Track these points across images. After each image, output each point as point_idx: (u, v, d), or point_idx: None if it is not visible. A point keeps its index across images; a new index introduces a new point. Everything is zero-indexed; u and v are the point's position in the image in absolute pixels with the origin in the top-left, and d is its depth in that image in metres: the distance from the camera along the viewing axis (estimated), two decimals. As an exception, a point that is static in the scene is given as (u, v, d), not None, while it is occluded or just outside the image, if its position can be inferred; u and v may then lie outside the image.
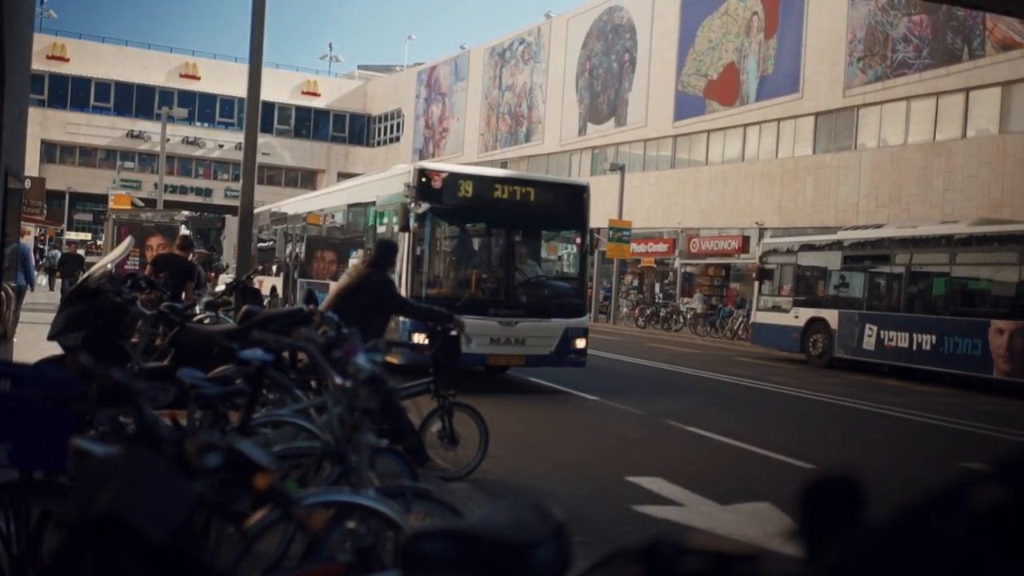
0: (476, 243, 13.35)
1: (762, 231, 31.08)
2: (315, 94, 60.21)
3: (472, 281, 12.26)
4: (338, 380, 3.28)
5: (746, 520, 5.86)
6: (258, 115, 14.19)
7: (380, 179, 14.31)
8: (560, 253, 14.51)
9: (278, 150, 56.96)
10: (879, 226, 20.61)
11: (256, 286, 19.90)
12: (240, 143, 14.57)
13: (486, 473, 7.02)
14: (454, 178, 11.79)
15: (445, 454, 6.91)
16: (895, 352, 17.46)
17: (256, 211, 23.53)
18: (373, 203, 13.87)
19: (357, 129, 61.85)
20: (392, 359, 10.89)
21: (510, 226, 12.20)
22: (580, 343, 12.15)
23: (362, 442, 2.96)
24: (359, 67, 73.38)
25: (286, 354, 6.05)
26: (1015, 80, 24.80)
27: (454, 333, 7.02)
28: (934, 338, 16.58)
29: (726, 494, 6.69)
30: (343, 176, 49.15)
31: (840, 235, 20.33)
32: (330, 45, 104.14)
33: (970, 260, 16.79)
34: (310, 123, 60.48)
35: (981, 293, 16.78)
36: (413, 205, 11.50)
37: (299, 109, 59.85)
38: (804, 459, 8.18)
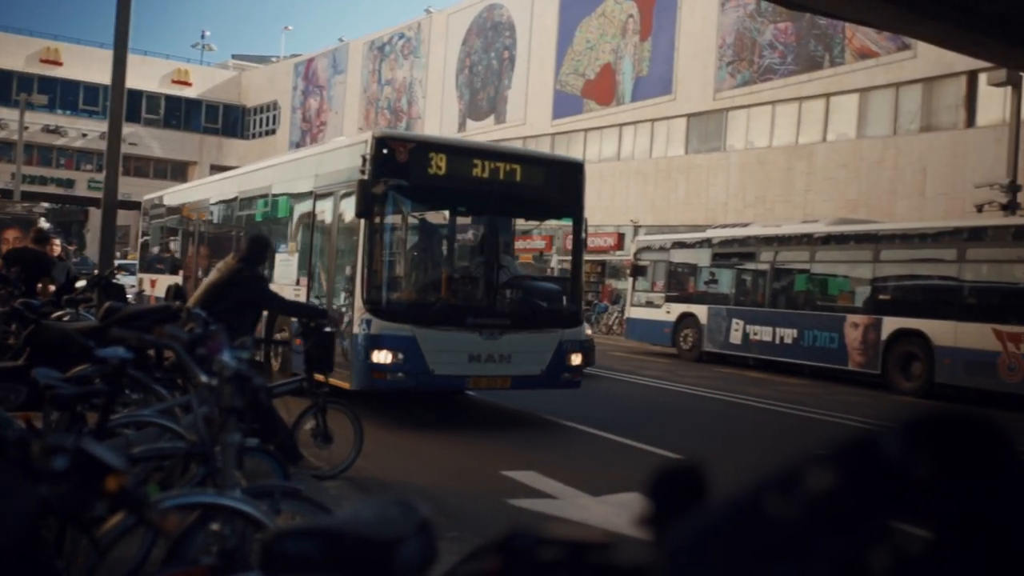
0: (450, 234, 11.35)
1: (636, 229, 31.82)
2: (186, 83, 58.12)
3: (446, 282, 10.09)
4: (203, 378, 3.19)
5: (616, 511, 6.00)
6: (123, 103, 13.61)
7: (320, 153, 11.91)
8: (549, 245, 13.09)
9: (147, 140, 54.73)
10: (746, 225, 21.42)
11: (147, 286, 18.53)
12: (105, 132, 13.89)
13: (361, 471, 6.96)
14: (423, 150, 9.56)
15: (319, 452, 6.82)
16: (760, 346, 18.18)
17: (147, 197, 20.47)
18: (310, 187, 11.18)
19: (231, 121, 60.06)
20: None
21: (492, 212, 10.01)
22: (576, 359, 10.05)
23: (228, 441, 2.89)
24: (233, 57, 71.27)
25: (152, 352, 5.85)
26: (871, 87, 26.19)
27: (328, 329, 6.92)
28: (795, 332, 17.35)
29: (598, 486, 6.84)
30: (216, 169, 47.63)
31: (709, 233, 21.02)
32: (203, 33, 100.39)
33: (828, 258, 17.65)
34: (181, 113, 58.33)
35: (838, 289, 17.66)
36: (371, 184, 9.14)
37: (169, 98, 57.65)
38: (672, 449, 8.43)
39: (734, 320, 18.83)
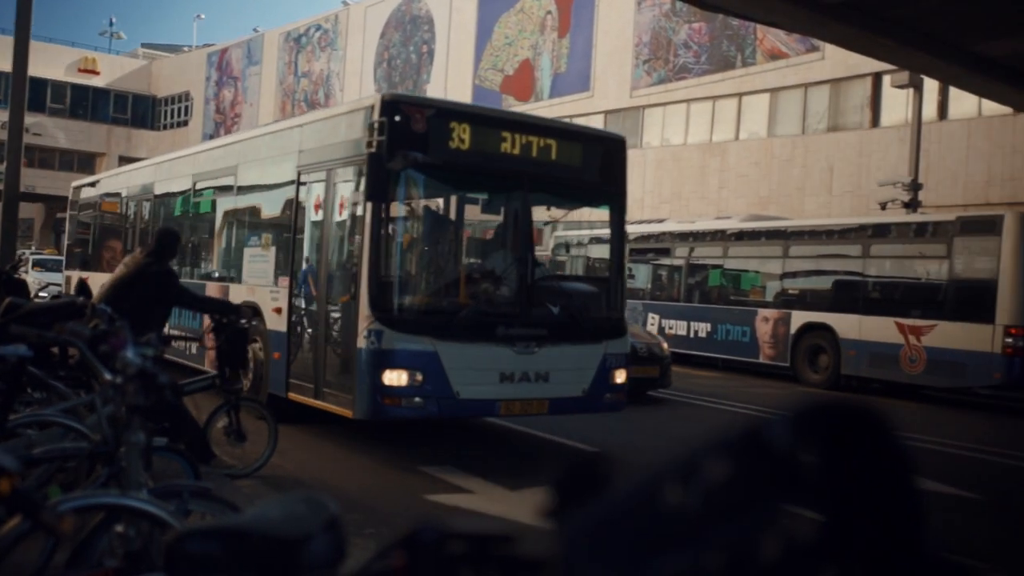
0: (474, 224, 9.80)
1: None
2: (94, 72, 56.22)
3: (472, 284, 8.35)
4: (107, 376, 3.09)
5: (532, 503, 6.04)
6: (25, 92, 13.14)
7: (307, 123, 9.52)
8: (585, 238, 11.36)
9: (51, 131, 52.80)
10: (661, 221, 21.76)
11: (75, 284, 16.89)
12: (6, 122, 13.27)
13: (276, 469, 6.86)
14: (443, 117, 7.79)
15: (232, 451, 6.71)
16: (675, 339, 18.49)
17: (76, 184, 18.25)
18: (292, 166, 9.12)
19: (141, 111, 58.34)
20: None
21: (524, 197, 8.23)
22: (620, 376, 8.42)
23: (132, 441, 2.81)
24: (143, 45, 69.22)
25: (56, 350, 5.66)
26: (781, 87, 26.86)
27: (244, 323, 6.79)
28: (709, 326, 17.73)
29: (515, 479, 6.87)
30: (125, 160, 46.22)
31: (626, 228, 21.27)
32: (111, 20, 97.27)
33: (740, 253, 18.08)
34: (88, 103, 56.42)
35: (750, 284, 18.10)
36: (382, 159, 7.39)
37: (75, 87, 55.70)
38: (590, 443, 8.52)
39: (650, 314, 19.13)
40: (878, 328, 14.72)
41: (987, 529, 6.73)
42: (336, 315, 8.15)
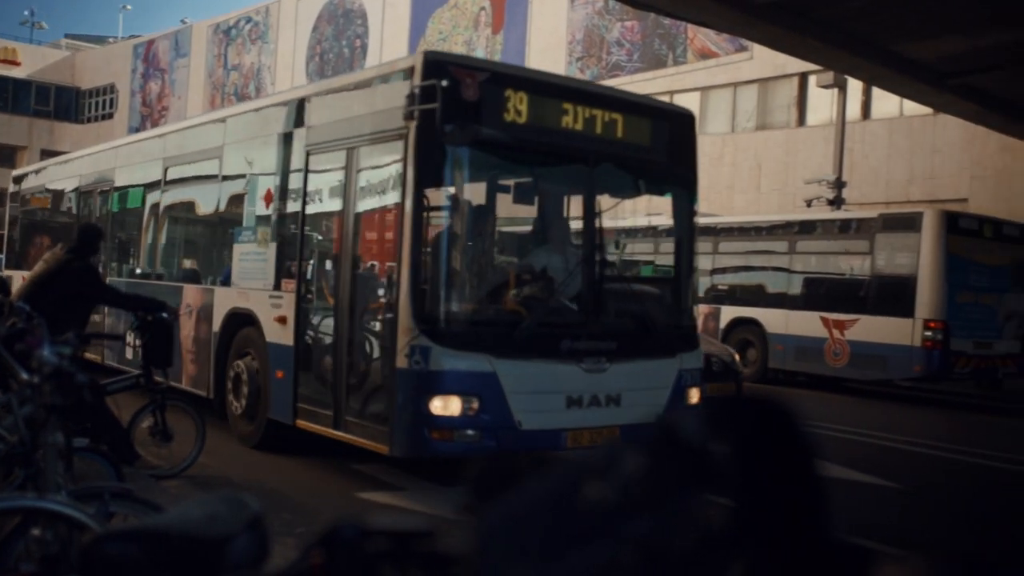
0: (533, 216, 7.90)
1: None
2: (14, 63, 54.44)
3: (530, 289, 6.96)
4: (24, 376, 3.00)
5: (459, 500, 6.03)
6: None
7: (320, 93, 7.90)
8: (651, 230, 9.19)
9: (-31, 123, 51.11)
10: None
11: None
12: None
13: (205, 468, 6.76)
14: (498, 84, 6.39)
15: (158, 451, 6.58)
16: (609, 335, 18.67)
17: (17, 172, 16.64)
18: (299, 146, 7.62)
19: (64, 103, 56.68)
20: None
21: (590, 182, 6.94)
22: (694, 396, 7.22)
23: (49, 442, 2.73)
24: (66, 36, 67.34)
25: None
26: (711, 86, 27.28)
27: (165, 315, 6.64)
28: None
29: (448, 476, 6.87)
30: (47, 154, 44.84)
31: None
32: (31, 10, 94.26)
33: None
34: (8, 95, 54.60)
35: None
36: (432, 134, 6.07)
37: (-6, 78, 53.97)
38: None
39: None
40: (804, 323, 15.06)
41: (903, 516, 6.95)
42: (364, 327, 6.82)
